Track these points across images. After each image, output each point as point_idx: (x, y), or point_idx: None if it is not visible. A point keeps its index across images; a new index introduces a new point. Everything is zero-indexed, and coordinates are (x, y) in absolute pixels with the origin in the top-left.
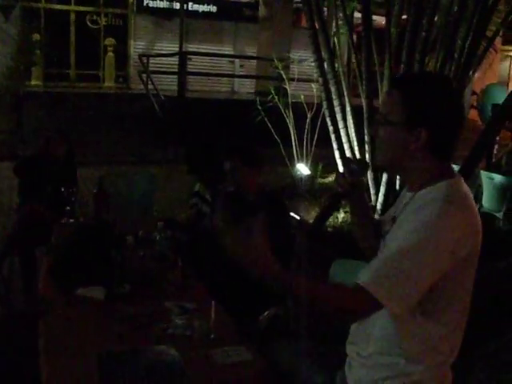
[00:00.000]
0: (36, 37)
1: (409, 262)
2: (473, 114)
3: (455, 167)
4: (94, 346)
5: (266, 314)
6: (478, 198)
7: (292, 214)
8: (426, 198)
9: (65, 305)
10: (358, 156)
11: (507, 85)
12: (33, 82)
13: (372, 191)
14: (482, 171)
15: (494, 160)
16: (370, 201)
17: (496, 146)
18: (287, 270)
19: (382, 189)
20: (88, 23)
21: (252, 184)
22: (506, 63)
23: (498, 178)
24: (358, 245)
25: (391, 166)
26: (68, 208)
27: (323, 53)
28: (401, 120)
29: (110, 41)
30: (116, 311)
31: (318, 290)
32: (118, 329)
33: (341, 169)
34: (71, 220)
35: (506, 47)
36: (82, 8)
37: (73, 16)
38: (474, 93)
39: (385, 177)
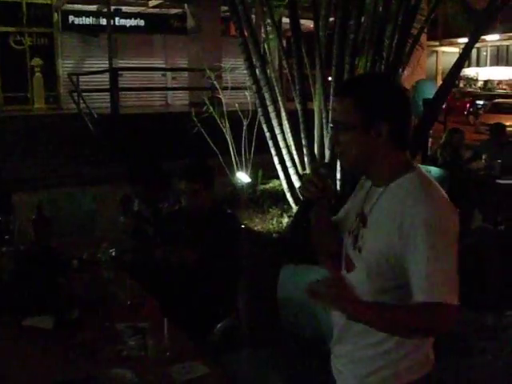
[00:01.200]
0: None
1: (445, 261)
2: None
3: None
4: (47, 377)
5: (219, 326)
6: None
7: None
8: (402, 191)
9: (13, 338)
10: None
11: (435, 79)
12: None
13: None
14: (419, 165)
15: (429, 153)
16: None
17: (430, 140)
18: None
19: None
20: (12, 44)
21: (206, 203)
22: (433, 58)
23: (434, 170)
24: (314, 249)
25: (360, 166)
26: (7, 237)
27: (254, 60)
28: (358, 123)
29: (36, 61)
30: (67, 339)
31: (395, 316)
32: (70, 356)
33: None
34: (11, 249)
35: (431, 43)
36: (3, 28)
37: None
38: (404, 89)
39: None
